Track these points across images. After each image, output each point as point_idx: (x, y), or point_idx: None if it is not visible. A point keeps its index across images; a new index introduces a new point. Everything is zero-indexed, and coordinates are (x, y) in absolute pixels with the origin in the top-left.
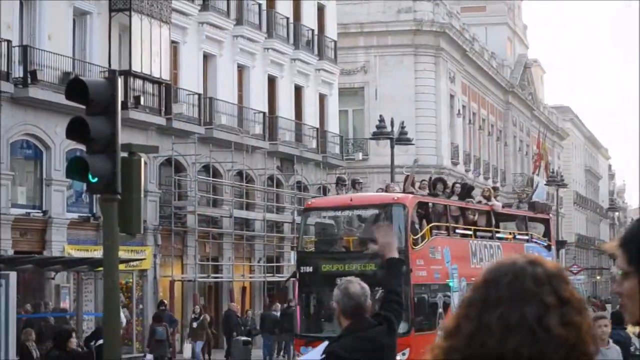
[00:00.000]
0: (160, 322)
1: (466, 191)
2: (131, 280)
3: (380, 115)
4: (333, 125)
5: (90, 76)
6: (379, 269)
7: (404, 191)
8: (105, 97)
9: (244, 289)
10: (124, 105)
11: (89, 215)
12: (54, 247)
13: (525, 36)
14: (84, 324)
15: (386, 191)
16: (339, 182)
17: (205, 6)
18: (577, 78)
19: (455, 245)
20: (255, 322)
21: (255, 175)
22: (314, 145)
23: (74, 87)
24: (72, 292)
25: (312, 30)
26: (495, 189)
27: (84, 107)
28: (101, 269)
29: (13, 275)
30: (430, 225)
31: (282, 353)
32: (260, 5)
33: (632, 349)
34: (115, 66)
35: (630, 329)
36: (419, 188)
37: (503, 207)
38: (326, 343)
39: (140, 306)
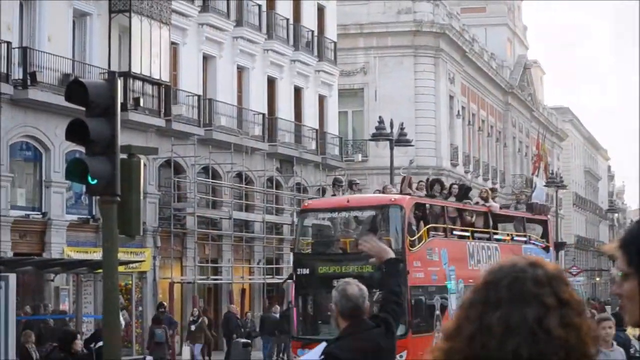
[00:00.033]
0: (160, 325)
1: (464, 192)
2: (130, 282)
3: (380, 117)
4: (332, 127)
5: (90, 78)
6: (376, 271)
7: (401, 192)
8: (104, 98)
9: (243, 290)
10: (124, 107)
11: (89, 217)
12: (54, 248)
13: (525, 37)
14: (83, 326)
15: (383, 192)
16: (336, 183)
17: (205, 7)
18: (576, 79)
19: (452, 246)
20: (255, 324)
21: (255, 177)
22: (314, 146)
23: (74, 88)
24: (71, 293)
25: (312, 32)
26: (493, 190)
27: (83, 108)
28: (101, 270)
29: (12, 277)
30: (428, 226)
31: (281, 355)
32: (260, 6)
33: (632, 350)
34: (114, 68)
35: (630, 331)
36: (416, 189)
37: (501, 208)
38: (324, 344)
39: (140, 308)
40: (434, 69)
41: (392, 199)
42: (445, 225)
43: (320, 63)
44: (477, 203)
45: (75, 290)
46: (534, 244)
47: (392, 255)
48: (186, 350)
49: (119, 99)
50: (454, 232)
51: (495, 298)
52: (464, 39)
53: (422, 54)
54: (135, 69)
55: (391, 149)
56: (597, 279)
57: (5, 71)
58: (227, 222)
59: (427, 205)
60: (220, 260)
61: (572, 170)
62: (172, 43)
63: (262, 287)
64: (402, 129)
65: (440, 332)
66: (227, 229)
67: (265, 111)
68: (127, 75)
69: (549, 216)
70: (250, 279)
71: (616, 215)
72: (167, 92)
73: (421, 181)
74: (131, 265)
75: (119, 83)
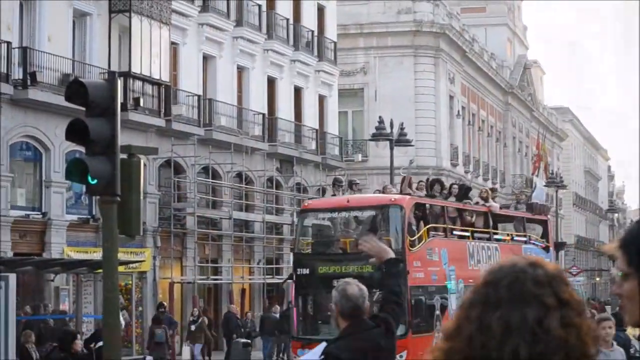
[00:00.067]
0: (160, 325)
1: (463, 192)
2: (130, 282)
3: (380, 117)
4: (332, 127)
5: (90, 78)
6: (376, 271)
7: (401, 192)
8: (104, 98)
9: (243, 290)
10: (124, 107)
11: (89, 217)
12: (54, 248)
13: (525, 37)
14: (83, 326)
15: (383, 192)
16: (336, 183)
17: (205, 7)
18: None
19: (452, 246)
20: (255, 324)
21: (255, 177)
22: (314, 146)
23: (74, 88)
24: (71, 293)
25: (312, 32)
26: (493, 190)
27: (83, 108)
28: (101, 270)
29: (12, 277)
30: (428, 226)
31: (281, 355)
32: (260, 6)
33: (632, 350)
34: (114, 68)
35: (630, 331)
36: (416, 189)
37: (501, 208)
38: (324, 344)
39: (140, 308)
40: (434, 69)
41: (392, 199)
42: (445, 225)
43: (320, 63)
44: (477, 203)
45: (75, 290)
46: (533, 244)
47: (392, 255)
48: (186, 350)
49: (119, 99)
50: (454, 232)
51: (495, 298)
52: (464, 39)
53: (422, 54)
54: (135, 69)
55: (391, 149)
56: (597, 279)
57: (5, 71)
58: (227, 222)
59: (427, 205)
60: (220, 260)
61: (572, 170)
62: (172, 43)
63: (262, 287)
64: (402, 129)
65: (441, 332)
66: (227, 229)
67: (265, 111)
68: (127, 75)
69: (548, 216)
70: (250, 279)
71: (616, 215)
72: (167, 92)
73: (421, 181)
74: (131, 265)
75: (119, 83)
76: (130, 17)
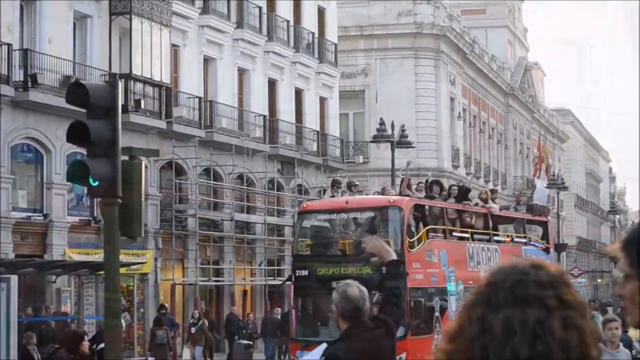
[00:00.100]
0: (161, 326)
1: (463, 194)
2: (132, 283)
3: (381, 119)
4: (333, 128)
5: (91, 80)
6: (375, 272)
7: (400, 194)
8: (105, 100)
9: (244, 292)
10: (125, 109)
11: (90, 218)
12: (55, 250)
13: (525, 39)
14: (84, 327)
15: (382, 194)
16: (335, 184)
17: (205, 9)
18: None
19: (452, 248)
20: (257, 325)
21: (256, 179)
22: (315, 148)
23: (75, 90)
24: (73, 295)
25: (313, 34)
26: (492, 191)
27: (84, 110)
28: (102, 272)
29: (14, 279)
30: (427, 228)
31: (282, 356)
32: (260, 8)
33: (633, 352)
34: (115, 69)
35: (632, 332)
36: (416, 190)
37: (500, 209)
38: (324, 346)
39: (141, 310)
40: (435, 71)
41: (391, 200)
42: (444, 227)
43: (320, 65)
44: (476, 204)
45: (76, 292)
46: (534, 245)
47: (394, 257)
48: (186, 352)
49: (120, 100)
50: (454, 234)
51: (498, 299)
52: (465, 41)
53: (422, 56)
54: (136, 71)
55: (392, 150)
56: (599, 280)
57: (6, 73)
58: (228, 223)
59: (426, 207)
60: (222, 262)
61: (574, 171)
62: (173, 45)
63: (264, 288)
64: (403, 130)
65: (443, 333)
66: (229, 231)
67: (266, 113)
68: (127, 77)
69: (549, 217)
70: (251, 281)
71: (617, 216)
72: (168, 94)
73: (420, 183)
74: (133, 267)
75: (120, 85)
76: (130, 19)
